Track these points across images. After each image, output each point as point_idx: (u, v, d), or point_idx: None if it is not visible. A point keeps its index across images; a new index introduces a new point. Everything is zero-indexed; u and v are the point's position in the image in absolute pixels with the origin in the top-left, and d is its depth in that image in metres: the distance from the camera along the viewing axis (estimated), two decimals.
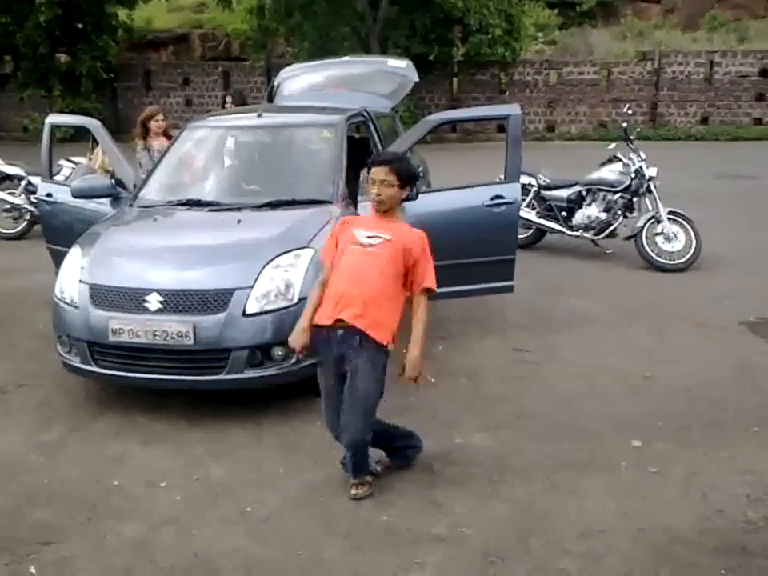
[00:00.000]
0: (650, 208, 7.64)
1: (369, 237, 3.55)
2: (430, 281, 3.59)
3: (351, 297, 3.45)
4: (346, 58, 8.74)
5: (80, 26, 20.95)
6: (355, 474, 3.62)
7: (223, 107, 7.75)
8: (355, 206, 5.22)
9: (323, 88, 7.19)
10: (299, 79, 7.58)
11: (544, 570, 3.08)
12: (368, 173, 3.62)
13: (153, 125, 6.85)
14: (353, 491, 3.59)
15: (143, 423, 4.38)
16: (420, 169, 7.13)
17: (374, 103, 6.70)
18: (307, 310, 3.61)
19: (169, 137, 6.73)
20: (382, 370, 3.56)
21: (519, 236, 6.50)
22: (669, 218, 7.51)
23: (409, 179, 3.60)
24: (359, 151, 5.87)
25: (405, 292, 3.59)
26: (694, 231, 7.48)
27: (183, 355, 4.25)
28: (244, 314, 4.23)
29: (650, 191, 7.64)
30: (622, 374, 5.01)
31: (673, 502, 3.54)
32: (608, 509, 3.49)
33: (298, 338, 3.56)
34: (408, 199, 4.75)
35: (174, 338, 4.18)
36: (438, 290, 5.23)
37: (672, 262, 7.44)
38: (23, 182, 9.14)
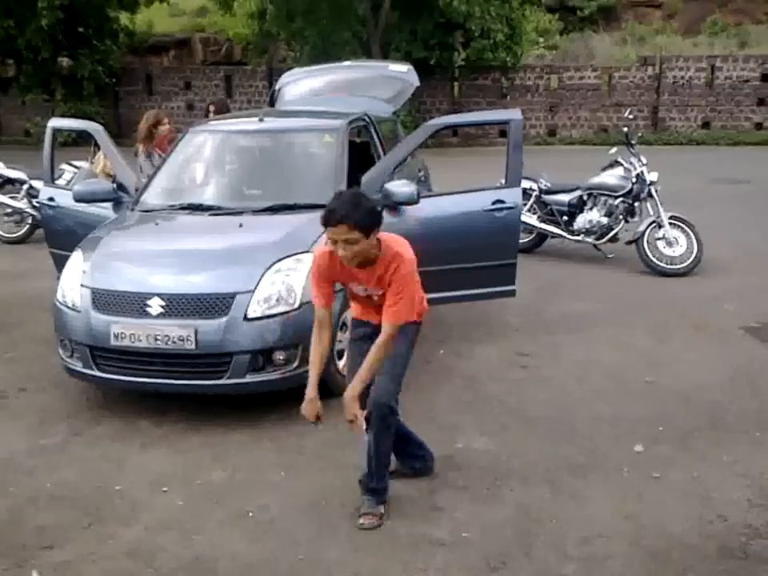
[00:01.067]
0: (652, 213, 7.65)
1: (365, 293, 3.41)
2: (392, 317, 3.24)
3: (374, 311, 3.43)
4: (348, 63, 8.75)
5: (82, 29, 21.00)
6: (369, 489, 3.49)
7: (207, 116, 7.73)
8: None
9: (324, 92, 7.20)
10: (300, 84, 7.60)
11: (545, 574, 3.08)
12: (324, 230, 3.20)
13: (160, 128, 6.86)
14: (360, 521, 3.42)
15: (144, 427, 4.38)
16: (421, 173, 7.16)
17: (376, 107, 6.71)
18: (312, 376, 3.34)
19: (170, 141, 6.74)
20: (410, 342, 3.47)
21: (520, 240, 6.49)
22: (670, 223, 7.51)
23: (371, 224, 3.12)
24: (361, 155, 5.88)
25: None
26: (695, 236, 7.48)
27: (185, 359, 4.26)
28: (245, 319, 4.24)
29: (651, 196, 7.65)
30: (623, 378, 5.01)
31: (674, 506, 3.54)
32: (609, 513, 3.49)
33: (310, 409, 3.32)
34: (409, 203, 4.72)
35: (175, 343, 4.19)
36: (440, 295, 5.27)
37: (673, 267, 7.45)
38: (25, 186, 9.15)
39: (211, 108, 8.03)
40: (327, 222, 3.12)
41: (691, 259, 7.43)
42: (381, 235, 3.24)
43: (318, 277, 3.37)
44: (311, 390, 3.33)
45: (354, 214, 3.08)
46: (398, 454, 3.80)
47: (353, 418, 3.25)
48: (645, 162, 7.76)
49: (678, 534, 3.32)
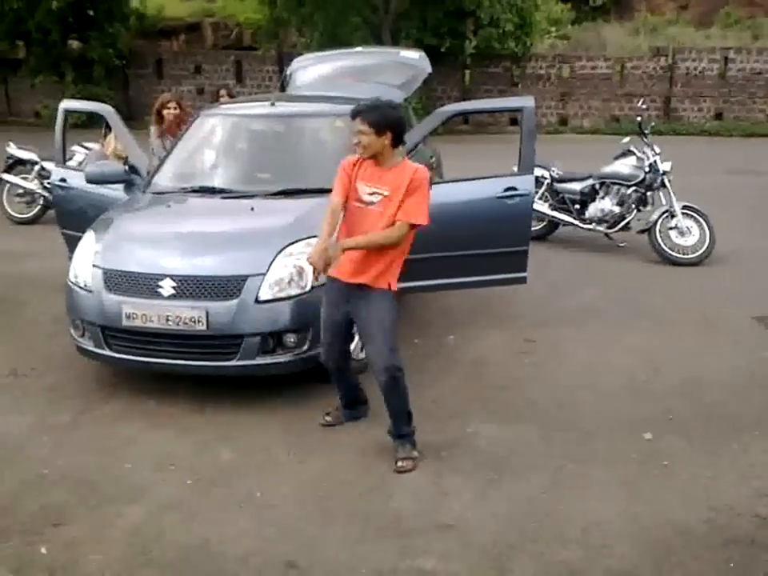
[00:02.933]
0: (664, 202, 7.61)
1: (370, 194, 3.72)
2: (418, 217, 3.68)
3: (356, 258, 3.72)
4: (359, 49, 8.71)
5: (92, 12, 20.90)
6: (399, 435, 3.83)
7: (217, 100, 7.51)
8: None
9: (336, 78, 7.16)
10: (312, 69, 7.56)
11: (549, 560, 3.09)
12: None
13: (165, 113, 6.83)
14: (399, 464, 3.75)
15: (152, 407, 4.41)
16: (432, 159, 7.12)
17: (387, 94, 6.62)
18: (324, 232, 3.67)
19: (180, 124, 6.71)
20: (390, 303, 3.78)
21: (532, 228, 6.46)
22: (683, 213, 7.48)
23: (383, 126, 3.63)
24: None
25: (409, 236, 3.78)
26: (707, 226, 7.45)
27: (196, 341, 4.27)
28: (257, 301, 4.24)
29: (663, 185, 7.61)
30: (632, 369, 5.00)
31: (680, 496, 3.54)
32: (614, 502, 3.49)
33: (319, 257, 3.59)
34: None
35: (186, 324, 4.20)
36: (452, 281, 5.32)
37: (685, 257, 7.42)
38: (36, 167, 9.15)
39: (222, 92, 7.93)
40: (351, 116, 3.72)
41: (703, 249, 7.40)
42: (408, 161, 3.79)
43: (341, 173, 3.80)
44: (322, 242, 3.62)
45: (369, 112, 3.65)
46: (349, 405, 4.19)
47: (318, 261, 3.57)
48: (658, 151, 7.72)
49: (683, 524, 3.32)
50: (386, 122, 3.64)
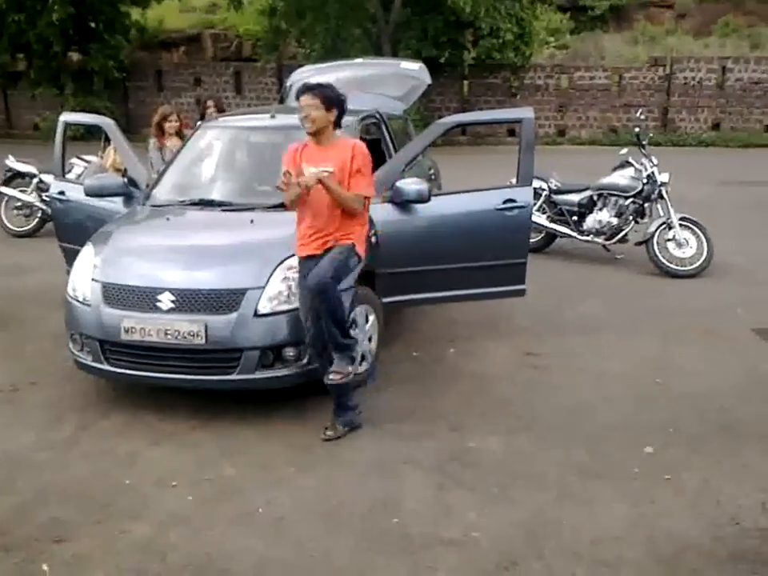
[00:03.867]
0: (662, 214, 7.62)
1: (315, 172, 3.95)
2: (369, 189, 4.10)
3: (317, 232, 4.05)
4: (359, 60, 8.73)
5: (93, 24, 21.00)
6: (336, 346, 4.05)
7: (203, 116, 7.18)
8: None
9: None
10: (312, 80, 7.56)
11: (558, 575, 3.07)
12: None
13: (166, 125, 6.85)
14: (330, 377, 4.07)
15: (153, 422, 4.39)
16: (431, 171, 7.14)
17: (387, 105, 6.69)
18: (342, 192, 3.98)
19: (182, 137, 6.72)
20: (347, 255, 4.05)
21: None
22: (680, 224, 7.48)
23: (333, 102, 3.98)
24: (371, 153, 5.85)
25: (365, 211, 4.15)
26: (705, 237, 7.45)
27: (195, 355, 4.25)
28: (256, 314, 4.23)
29: (661, 197, 7.62)
30: (633, 381, 4.99)
31: (685, 509, 3.53)
32: (620, 515, 3.48)
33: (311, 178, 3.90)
34: (421, 201, 4.90)
35: (185, 338, 4.19)
36: (451, 293, 5.38)
37: (683, 268, 7.42)
38: (35, 180, 9.16)
39: (210, 103, 7.52)
40: (300, 93, 4.01)
41: (701, 261, 7.40)
42: (344, 136, 4.20)
43: (288, 159, 4.14)
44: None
45: (320, 88, 4.01)
46: (339, 407, 4.24)
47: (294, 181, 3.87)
48: (656, 162, 7.73)
49: (689, 537, 3.30)
50: (335, 99, 4.00)
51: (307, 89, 4.02)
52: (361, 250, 4.14)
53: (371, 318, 4.82)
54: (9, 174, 9.37)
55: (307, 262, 4.09)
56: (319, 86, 4.06)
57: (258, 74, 22.51)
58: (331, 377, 4.07)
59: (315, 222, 4.06)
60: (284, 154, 4.24)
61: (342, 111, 4.07)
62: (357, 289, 4.35)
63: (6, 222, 9.39)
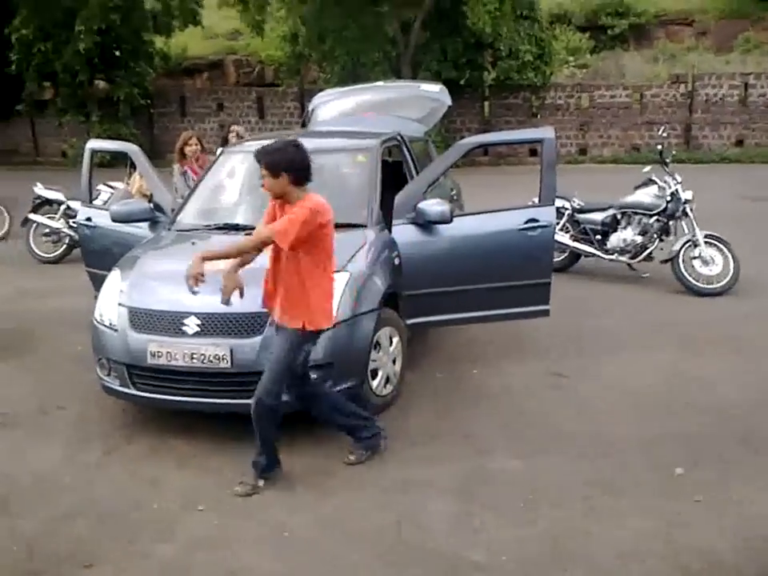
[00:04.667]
0: (687, 231, 7.56)
1: None
2: (279, 233, 3.74)
3: (276, 297, 3.93)
4: (380, 83, 8.81)
5: (118, 53, 21.37)
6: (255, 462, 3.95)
7: (225, 142, 7.28)
8: (389, 230, 5.25)
9: (357, 113, 7.25)
10: (333, 104, 7.65)
11: None
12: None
13: (186, 149, 6.95)
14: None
15: (177, 445, 4.41)
16: (453, 192, 7.16)
17: (408, 127, 6.73)
18: (231, 248, 3.92)
19: (203, 164, 6.81)
20: (291, 346, 3.86)
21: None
22: (706, 242, 7.42)
23: (279, 169, 3.73)
24: (394, 175, 5.90)
25: (324, 271, 3.90)
26: (731, 255, 7.38)
27: (220, 378, 4.28)
28: None
29: (686, 214, 7.57)
30: (660, 399, 4.94)
31: (713, 527, 3.48)
32: (646, 533, 3.44)
33: (229, 280, 3.83)
34: (443, 222, 4.83)
35: (211, 362, 4.21)
36: (474, 314, 5.36)
37: (709, 286, 7.35)
38: (62, 207, 9.31)
39: (233, 129, 7.66)
40: (255, 159, 3.86)
41: (728, 278, 7.32)
42: (313, 195, 3.84)
43: (269, 208, 3.99)
44: (232, 264, 3.86)
45: (266, 155, 3.78)
46: (353, 437, 4.20)
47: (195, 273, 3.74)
48: (679, 180, 7.69)
49: (717, 554, 3.27)
50: (282, 165, 3.74)
51: (254, 156, 3.86)
52: (315, 322, 3.87)
53: (395, 339, 4.82)
54: (37, 201, 9.53)
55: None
56: (266, 152, 3.79)
57: (280, 99, 22.74)
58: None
59: (275, 290, 3.97)
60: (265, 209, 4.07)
61: (297, 170, 3.76)
62: (380, 311, 4.36)
63: (34, 248, 9.53)
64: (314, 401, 4.14)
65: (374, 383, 4.63)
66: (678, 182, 7.66)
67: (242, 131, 7.81)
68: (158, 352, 4.29)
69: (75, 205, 8.44)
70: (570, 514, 3.62)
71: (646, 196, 7.86)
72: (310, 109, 7.79)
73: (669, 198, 7.64)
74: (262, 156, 3.80)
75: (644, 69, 22.70)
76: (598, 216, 8.12)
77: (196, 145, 6.98)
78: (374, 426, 4.25)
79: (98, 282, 5.49)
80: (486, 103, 21.68)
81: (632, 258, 7.89)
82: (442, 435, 4.46)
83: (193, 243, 5.10)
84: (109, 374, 4.60)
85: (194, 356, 4.22)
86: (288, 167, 3.75)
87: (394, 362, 4.81)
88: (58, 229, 9.33)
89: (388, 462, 4.17)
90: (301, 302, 3.83)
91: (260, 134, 16.31)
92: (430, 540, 3.44)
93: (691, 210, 7.55)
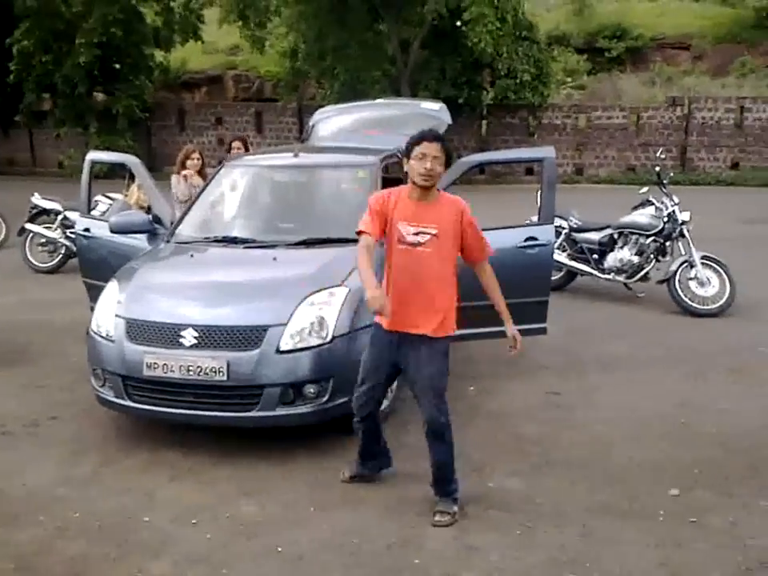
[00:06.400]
0: (683, 252, 7.59)
1: (415, 233, 3.59)
2: (488, 247, 3.80)
3: (412, 306, 3.60)
4: (380, 101, 8.85)
5: (117, 66, 21.47)
6: (440, 490, 3.75)
7: (229, 152, 7.38)
8: None
9: (357, 129, 7.26)
10: (334, 120, 7.68)
11: None
12: (413, 148, 3.54)
13: (188, 163, 6.97)
14: (436, 518, 3.68)
15: (173, 459, 4.37)
16: None
17: None
18: (368, 273, 3.44)
19: (204, 177, 6.82)
20: (444, 356, 3.67)
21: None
22: (702, 263, 7.44)
23: (450, 157, 3.62)
24: None
25: (455, 267, 3.72)
26: (727, 276, 7.40)
27: (216, 391, 4.26)
28: (278, 351, 4.23)
29: (682, 235, 7.60)
30: (656, 420, 4.93)
31: (712, 551, 3.46)
32: (645, 557, 3.42)
33: (382, 302, 3.37)
34: None
35: (207, 374, 4.19)
36: (472, 331, 5.31)
37: (705, 307, 7.36)
38: (59, 217, 9.31)
39: (235, 144, 7.60)
40: (425, 138, 3.52)
41: (724, 299, 7.34)
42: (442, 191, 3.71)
43: (376, 210, 3.61)
44: (377, 288, 3.42)
45: (445, 141, 3.57)
46: (364, 454, 4.02)
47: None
48: (677, 201, 7.73)
49: None
50: (451, 155, 3.62)
51: (435, 138, 3.54)
52: (453, 325, 3.77)
53: None
54: (34, 210, 9.53)
55: (388, 333, 3.69)
56: (443, 137, 3.62)
57: (278, 114, 22.85)
58: (437, 518, 3.67)
59: (410, 297, 3.63)
60: (370, 199, 3.76)
61: (450, 164, 3.73)
62: None
63: (30, 257, 9.51)
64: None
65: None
66: (674, 203, 7.70)
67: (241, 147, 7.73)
68: (155, 364, 4.26)
69: (72, 215, 8.44)
70: (568, 536, 3.58)
71: (643, 216, 7.89)
72: (310, 124, 7.81)
73: (666, 219, 7.67)
74: (443, 140, 3.58)
75: (641, 91, 22.91)
76: (595, 235, 8.15)
77: (198, 159, 6.99)
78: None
79: (94, 293, 5.47)
80: (484, 122, 21.84)
81: (628, 277, 7.91)
82: None
83: (191, 256, 5.10)
84: (104, 385, 4.57)
85: (191, 368, 4.20)
86: (451, 161, 3.70)
87: None
88: (54, 239, 9.33)
89: (384, 479, 4.14)
90: (450, 308, 3.70)
91: (260, 148, 16.34)
92: (425, 559, 3.41)
93: (688, 231, 7.58)
